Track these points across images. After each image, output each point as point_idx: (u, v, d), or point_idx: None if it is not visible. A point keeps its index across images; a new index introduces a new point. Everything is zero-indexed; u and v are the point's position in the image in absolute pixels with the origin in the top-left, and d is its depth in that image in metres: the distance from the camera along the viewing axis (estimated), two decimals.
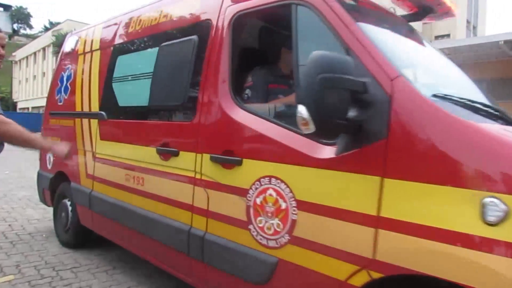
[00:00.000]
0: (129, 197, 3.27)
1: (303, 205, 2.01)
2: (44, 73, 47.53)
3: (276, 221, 2.13)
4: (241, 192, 2.32)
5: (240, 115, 2.41)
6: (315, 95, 1.68)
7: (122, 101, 3.64)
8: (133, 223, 3.24)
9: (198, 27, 2.88)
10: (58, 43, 27.04)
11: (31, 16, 73.78)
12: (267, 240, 2.17)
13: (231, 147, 2.43)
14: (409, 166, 1.68)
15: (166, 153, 2.90)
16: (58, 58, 5.10)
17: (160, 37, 3.25)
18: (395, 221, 1.67)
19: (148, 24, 3.46)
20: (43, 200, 5.09)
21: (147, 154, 3.08)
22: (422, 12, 3.09)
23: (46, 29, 59.59)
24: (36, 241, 4.64)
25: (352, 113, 1.75)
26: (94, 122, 3.88)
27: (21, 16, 71.14)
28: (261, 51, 3.01)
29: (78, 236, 4.29)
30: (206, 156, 2.57)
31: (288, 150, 2.11)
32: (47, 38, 40.98)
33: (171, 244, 2.85)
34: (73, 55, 4.65)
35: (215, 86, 2.60)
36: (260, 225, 2.21)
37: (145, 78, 3.30)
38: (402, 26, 2.76)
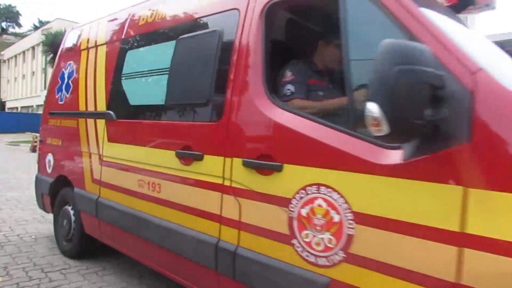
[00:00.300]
0: (143, 205, 2.98)
1: (362, 218, 1.75)
2: (33, 72, 46.69)
3: (327, 235, 1.86)
4: (282, 202, 2.05)
5: (280, 115, 2.14)
6: (390, 90, 1.41)
7: (134, 100, 3.33)
8: (148, 234, 2.95)
9: (223, 18, 2.60)
10: (48, 42, 26.35)
11: (20, 15, 72.56)
12: (316, 257, 1.90)
13: (268, 151, 2.15)
14: (499, 174, 1.43)
15: (188, 157, 2.62)
16: (58, 54, 4.77)
17: (177, 29, 2.96)
18: (484, 239, 1.42)
19: (163, 15, 3.17)
20: (42, 206, 4.76)
21: (164, 158, 2.80)
22: (461, 3, 2.84)
23: (36, 28, 58.60)
24: (25, 243, 4.55)
25: (430, 112, 1.49)
26: (101, 123, 3.57)
27: (9, 15, 69.90)
28: (290, 44, 2.74)
29: (82, 245, 3.97)
30: (238, 161, 2.29)
31: (341, 155, 1.84)
32: (37, 37, 40.25)
33: (194, 258, 2.56)
34: (75, 50, 4.33)
35: (247, 83, 2.33)
36: (307, 239, 1.94)
37: (160, 75, 3.01)
38: (453, 15, 2.51)
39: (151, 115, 3.12)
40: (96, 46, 3.95)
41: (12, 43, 54.83)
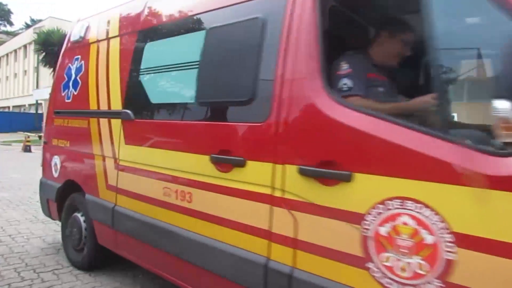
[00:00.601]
0: (170, 215, 2.64)
1: (466, 241, 1.43)
2: (25, 71, 45.84)
3: (416, 260, 1.55)
4: (353, 218, 1.73)
5: (345, 115, 1.82)
6: None
7: (156, 97, 2.98)
8: (175, 248, 2.61)
9: (267, 3, 2.27)
10: (40, 40, 25.83)
11: (11, 13, 71.30)
12: (401, 285, 1.58)
13: (332, 157, 1.83)
14: None
15: (226, 163, 2.29)
16: (63, 48, 4.39)
17: (208, 17, 2.62)
18: None
19: (188, 2, 2.83)
20: (47, 212, 4.39)
21: (196, 164, 2.46)
22: None
23: (28, 26, 57.61)
24: (17, 243, 4.47)
25: None
26: (116, 123, 3.22)
27: (1, 13, 68.71)
28: (341, 34, 2.42)
29: (94, 256, 3.62)
30: (292, 168, 1.96)
31: (434, 163, 1.52)
32: (29, 36, 39.51)
33: (235, 278, 2.23)
34: (82, 44, 3.98)
35: (301, 77, 2.00)
36: (387, 263, 1.62)
37: (187, 69, 2.67)
38: None
39: (178, 114, 2.77)
40: (107, 38, 3.60)
41: (4, 42, 53.87)
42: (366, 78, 2.12)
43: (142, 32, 3.19)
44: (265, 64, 2.17)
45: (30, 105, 42.94)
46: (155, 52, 3.04)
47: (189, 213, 2.50)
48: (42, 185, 4.42)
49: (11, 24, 70.58)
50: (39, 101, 39.37)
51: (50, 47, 25.40)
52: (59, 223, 5.15)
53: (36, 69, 37.94)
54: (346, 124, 1.79)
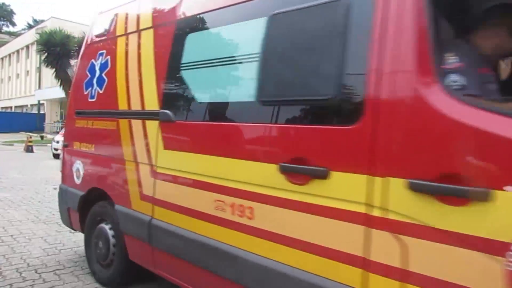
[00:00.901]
0: (225, 233, 2.26)
1: None
2: (27, 72, 45.51)
3: None
4: (492, 247, 1.35)
5: (476, 117, 1.44)
6: None
7: (203, 96, 2.61)
8: (233, 273, 2.22)
9: None
10: (42, 41, 25.59)
11: (14, 13, 71.08)
12: None
13: (458, 169, 1.46)
14: None
15: (301, 174, 1.91)
16: (84, 43, 4.01)
17: (270, 1, 2.25)
18: None
19: None
20: (68, 222, 4.01)
21: (260, 174, 2.09)
22: None
23: (30, 27, 57.38)
24: (18, 243, 4.46)
25: None
26: (152, 125, 2.84)
27: (3, 13, 68.32)
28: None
29: (125, 274, 3.23)
30: (397, 182, 1.58)
31: None
32: (31, 36, 39.20)
33: None
34: (108, 38, 3.61)
35: (405, 70, 1.63)
36: None
37: (245, 62, 2.31)
38: None
39: (233, 115, 2.40)
40: (138, 30, 3.23)
41: (6, 42, 53.58)
42: (478, 73, 1.75)
43: (181, 21, 2.80)
44: (354, 54, 1.80)
45: (32, 105, 42.68)
46: (198, 44, 2.66)
47: (250, 231, 2.12)
48: (62, 192, 4.00)
49: (13, 24, 70.49)
50: (41, 102, 39.12)
51: (52, 47, 25.18)
52: (60, 224, 4.82)
53: (38, 70, 37.73)
54: (481, 128, 1.41)
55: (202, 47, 2.64)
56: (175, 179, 2.64)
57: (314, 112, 2.01)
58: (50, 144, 17.35)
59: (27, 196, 7.23)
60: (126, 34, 3.36)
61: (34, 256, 4.04)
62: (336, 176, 1.78)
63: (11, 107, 48.84)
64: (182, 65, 2.71)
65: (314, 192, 1.85)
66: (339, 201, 1.76)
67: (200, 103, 2.62)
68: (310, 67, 1.98)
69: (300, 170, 1.91)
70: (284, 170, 1.96)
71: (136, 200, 2.95)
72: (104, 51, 3.58)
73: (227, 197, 2.25)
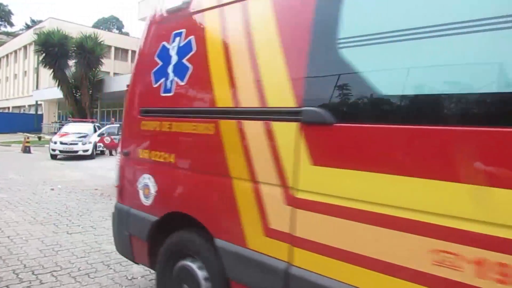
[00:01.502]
0: None
1: None
2: (25, 72, 45.42)
3: None
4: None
5: None
6: None
7: (398, 83, 1.64)
8: None
9: None
10: (40, 41, 25.69)
11: (12, 14, 70.94)
12: None
13: None
14: None
15: None
16: (149, 22, 3.10)
17: None
18: None
19: None
20: (127, 253, 3.09)
21: None
22: None
23: (28, 27, 57.34)
24: (15, 244, 4.44)
25: None
26: (286, 129, 2.00)
27: (1, 14, 68.32)
28: None
29: None
30: None
31: None
32: (29, 36, 39.21)
33: None
34: (188, 13, 2.72)
35: None
36: None
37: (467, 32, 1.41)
38: None
39: (467, 114, 1.46)
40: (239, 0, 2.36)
41: (4, 42, 53.54)
42: None
43: None
44: None
45: (29, 106, 42.59)
46: (374, 6, 1.77)
47: None
48: (120, 214, 3.10)
49: (11, 25, 70.41)
50: (38, 102, 39.03)
51: (50, 48, 25.28)
52: (60, 224, 4.89)
53: (36, 70, 37.67)
54: None
55: (371, 11, 1.76)
56: (339, 211, 1.75)
57: None
58: (47, 145, 17.30)
59: (24, 197, 7.23)
60: (220, 5, 2.49)
61: (30, 257, 4.02)
62: None
63: (8, 108, 48.72)
64: (337, 40, 1.82)
65: None
66: None
67: (387, 97, 1.69)
68: None
69: None
70: None
71: (257, 237, 2.10)
72: (184, 30, 2.70)
73: (463, 247, 1.38)
